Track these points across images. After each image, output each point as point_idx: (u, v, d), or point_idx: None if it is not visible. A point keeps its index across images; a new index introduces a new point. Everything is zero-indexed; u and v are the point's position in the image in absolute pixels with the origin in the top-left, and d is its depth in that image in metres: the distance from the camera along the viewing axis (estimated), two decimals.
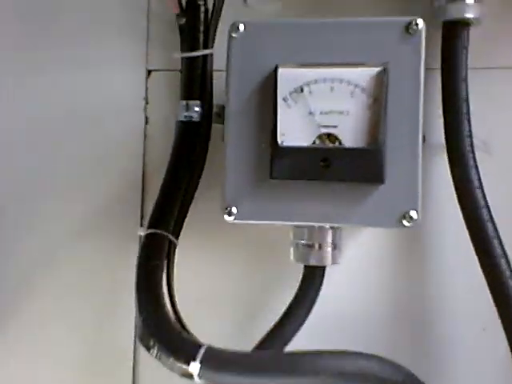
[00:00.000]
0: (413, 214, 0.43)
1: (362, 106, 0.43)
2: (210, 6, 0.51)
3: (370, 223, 0.46)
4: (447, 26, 0.46)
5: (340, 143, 0.45)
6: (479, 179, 0.45)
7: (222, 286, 0.53)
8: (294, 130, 0.44)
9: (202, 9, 0.51)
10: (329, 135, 0.44)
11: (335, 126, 0.44)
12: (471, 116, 0.45)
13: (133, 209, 0.54)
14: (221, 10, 0.51)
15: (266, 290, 0.53)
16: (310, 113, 0.44)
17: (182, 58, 0.51)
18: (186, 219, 0.51)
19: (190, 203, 0.51)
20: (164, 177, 0.50)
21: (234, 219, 0.45)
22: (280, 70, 0.44)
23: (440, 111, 0.47)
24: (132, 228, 0.54)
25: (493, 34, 0.49)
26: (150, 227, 0.48)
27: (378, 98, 0.43)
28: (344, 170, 0.43)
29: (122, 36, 0.55)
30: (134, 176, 0.54)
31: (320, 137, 0.45)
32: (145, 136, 0.55)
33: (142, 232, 0.48)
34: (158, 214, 0.49)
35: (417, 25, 0.43)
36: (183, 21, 0.51)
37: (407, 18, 0.43)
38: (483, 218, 0.44)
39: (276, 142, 0.43)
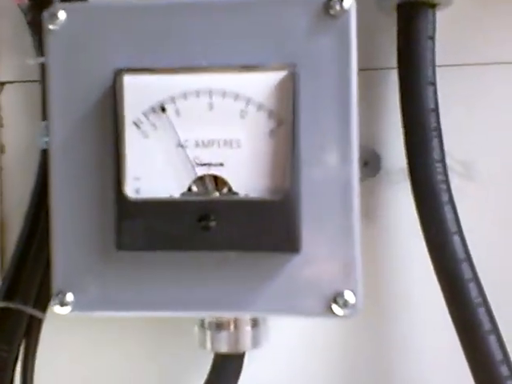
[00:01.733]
0: (348, 295, 0.31)
1: (260, 132, 0.31)
2: None
3: (281, 311, 0.32)
4: (404, 8, 0.37)
5: (230, 190, 0.31)
6: (457, 220, 0.36)
7: (111, 372, 0.44)
8: (155, 171, 0.32)
9: None
10: (215, 179, 0.32)
11: (220, 164, 0.32)
12: (442, 129, 0.37)
13: None
14: None
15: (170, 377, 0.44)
16: (180, 144, 0.31)
17: (39, 65, 0.41)
18: None
19: None
20: (22, 225, 0.41)
21: (71, 310, 0.33)
22: (126, 79, 0.31)
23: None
24: None
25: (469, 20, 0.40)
26: (0, 299, 0.40)
27: (284, 119, 0.31)
28: (235, 233, 0.31)
29: None
30: None
31: (198, 181, 0.32)
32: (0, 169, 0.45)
33: None
34: (12, 279, 0.41)
35: (341, 2, 0.30)
36: (30, 15, 0.41)
37: None
38: (463, 277, 0.35)
39: (122, 192, 0.31)
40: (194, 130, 0.31)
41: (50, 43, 0.32)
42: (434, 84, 0.36)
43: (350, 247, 0.31)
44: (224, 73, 0.30)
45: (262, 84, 0.30)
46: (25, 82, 0.44)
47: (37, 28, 0.40)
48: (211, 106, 0.31)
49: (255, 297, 0.32)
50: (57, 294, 0.33)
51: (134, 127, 0.31)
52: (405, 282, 0.41)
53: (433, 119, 0.36)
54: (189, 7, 0.31)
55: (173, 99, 0.31)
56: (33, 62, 0.41)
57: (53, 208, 0.33)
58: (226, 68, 0.31)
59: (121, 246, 0.31)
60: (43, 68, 0.40)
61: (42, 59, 0.39)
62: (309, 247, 0.31)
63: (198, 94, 0.31)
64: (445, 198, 0.35)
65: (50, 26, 0.32)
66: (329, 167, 0.31)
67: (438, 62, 0.36)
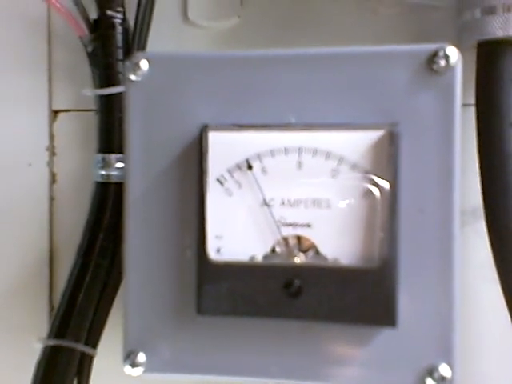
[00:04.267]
0: (443, 370, 0.29)
1: (353, 193, 0.29)
2: (132, 23, 0.40)
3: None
4: (485, 48, 0.35)
5: (317, 252, 0.30)
6: None
7: None
8: (238, 230, 0.30)
9: (119, 28, 0.39)
10: (298, 239, 0.30)
11: (307, 225, 0.29)
12: None
13: (37, 304, 0.44)
14: (148, 29, 0.40)
15: None
16: (265, 203, 0.30)
17: (96, 97, 0.41)
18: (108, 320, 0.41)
19: (113, 298, 0.41)
20: (74, 259, 0.41)
21: (144, 371, 0.31)
22: (211, 135, 0.30)
23: (472, 160, 0.36)
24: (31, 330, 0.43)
25: None
26: (52, 337, 0.39)
27: (382, 181, 0.28)
28: (324, 302, 0.29)
29: (15, 66, 0.45)
30: (37, 255, 0.45)
31: (282, 242, 0.30)
32: (51, 199, 0.44)
33: (41, 344, 0.39)
34: (63, 316, 0.40)
35: (447, 57, 0.28)
36: (91, 46, 0.40)
37: (430, 46, 0.28)
38: None
39: (205, 253, 0.29)
40: (280, 189, 0.29)
41: (131, 94, 0.31)
42: None
43: (449, 318, 0.29)
44: (315, 130, 0.29)
45: (356, 143, 0.28)
46: (79, 111, 0.44)
47: (96, 60, 0.40)
48: (300, 165, 0.29)
49: (340, 369, 0.30)
50: (128, 355, 0.31)
51: (218, 184, 0.29)
52: (477, 332, 0.39)
53: None
54: (280, 59, 0.29)
55: (259, 157, 0.29)
56: (90, 93, 0.40)
57: (128, 264, 0.31)
58: (318, 125, 0.29)
59: (202, 310, 0.29)
60: (101, 99, 0.40)
61: (99, 91, 0.40)
62: (404, 319, 0.29)
63: (286, 151, 0.29)
64: None
65: (132, 76, 0.30)
66: (428, 233, 0.29)
67: None
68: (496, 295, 0.34)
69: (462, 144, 0.38)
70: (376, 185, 0.28)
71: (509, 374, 0.39)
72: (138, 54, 0.30)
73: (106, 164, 0.40)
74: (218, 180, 0.29)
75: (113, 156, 0.40)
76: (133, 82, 0.30)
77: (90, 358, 0.40)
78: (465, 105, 0.37)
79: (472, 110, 0.36)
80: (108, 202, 0.40)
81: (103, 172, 0.40)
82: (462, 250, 0.38)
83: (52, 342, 0.38)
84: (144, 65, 0.30)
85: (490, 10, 0.34)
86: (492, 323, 0.38)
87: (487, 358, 0.39)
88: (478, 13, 0.34)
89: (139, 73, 0.30)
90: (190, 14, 0.40)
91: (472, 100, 0.35)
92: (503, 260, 0.34)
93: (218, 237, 0.30)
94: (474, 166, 0.36)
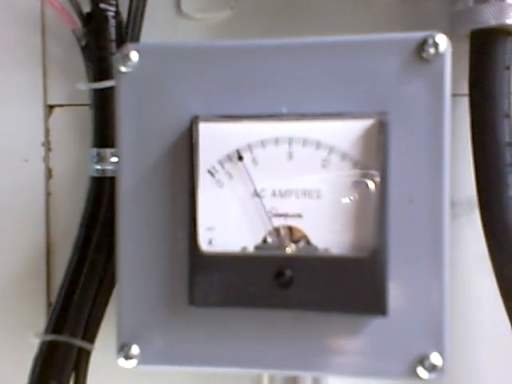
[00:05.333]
0: (435, 358, 0.29)
1: (343, 183, 0.29)
2: (125, 16, 0.39)
3: (360, 373, 0.30)
4: (478, 37, 0.35)
5: (308, 243, 0.29)
6: None
7: None
8: (229, 221, 0.30)
9: (112, 21, 0.39)
10: (289, 230, 0.29)
11: (298, 216, 0.29)
12: None
13: (34, 299, 0.44)
14: (141, 22, 0.39)
15: None
16: (256, 194, 0.29)
17: (91, 91, 0.40)
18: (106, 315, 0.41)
19: (110, 293, 0.41)
20: (71, 254, 0.40)
21: (138, 363, 0.31)
22: (201, 126, 0.29)
23: (466, 150, 0.35)
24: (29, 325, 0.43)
25: None
26: (49, 332, 0.39)
27: (371, 170, 0.28)
28: (315, 292, 0.28)
29: (9, 61, 0.44)
30: (34, 251, 0.45)
31: (274, 233, 0.29)
32: (47, 195, 0.44)
33: (38, 339, 0.39)
34: (60, 311, 0.40)
35: (436, 44, 0.28)
36: (85, 40, 0.40)
37: (419, 34, 0.28)
38: None
39: (197, 244, 0.29)
40: (271, 179, 0.29)
41: (121, 85, 0.30)
42: (509, 116, 0.34)
43: (439, 307, 0.29)
44: (306, 120, 0.28)
45: (346, 132, 0.28)
46: (74, 105, 0.43)
47: (90, 53, 0.40)
48: (290, 155, 0.29)
49: (332, 358, 0.29)
50: (122, 347, 0.31)
51: (209, 176, 0.29)
52: (471, 322, 0.39)
53: (508, 154, 0.34)
54: (269, 49, 0.29)
55: (250, 147, 0.29)
56: (84, 87, 0.40)
57: (120, 257, 0.31)
58: (307, 116, 0.28)
59: (194, 302, 0.29)
60: (95, 94, 0.40)
61: (93, 85, 0.39)
62: (395, 307, 0.29)
63: (276, 142, 0.29)
64: None
65: (122, 68, 0.30)
66: (418, 221, 0.28)
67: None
68: (491, 286, 0.34)
69: (456, 134, 0.37)
70: (366, 175, 0.28)
71: (501, 362, 0.39)
72: (128, 45, 0.30)
73: (101, 158, 0.39)
74: (209, 171, 0.29)
75: (108, 150, 0.39)
76: (123, 73, 0.30)
77: (88, 353, 0.40)
78: (459, 95, 0.36)
79: (466, 100, 0.35)
80: (103, 196, 0.40)
81: (98, 167, 0.40)
82: (457, 240, 0.39)
83: (49, 337, 0.38)
84: (134, 56, 0.30)
85: None
86: (486, 313, 0.38)
87: (481, 347, 0.39)
88: (470, 2, 0.34)
89: (129, 64, 0.30)
90: (183, 7, 0.40)
91: (466, 90, 0.35)
92: (497, 250, 0.34)
93: (209, 228, 0.29)
94: (468, 156, 0.35)
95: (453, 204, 0.38)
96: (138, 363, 0.31)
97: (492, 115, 0.34)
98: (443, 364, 0.29)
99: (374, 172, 0.28)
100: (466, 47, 0.35)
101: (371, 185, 0.28)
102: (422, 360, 0.29)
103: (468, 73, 0.35)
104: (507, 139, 0.34)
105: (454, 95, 0.36)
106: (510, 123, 0.34)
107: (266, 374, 0.33)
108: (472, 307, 0.39)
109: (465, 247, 0.38)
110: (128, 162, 0.31)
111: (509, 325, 0.34)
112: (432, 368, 0.29)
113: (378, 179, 0.28)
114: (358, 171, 0.28)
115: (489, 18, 0.33)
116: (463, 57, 0.35)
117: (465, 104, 0.35)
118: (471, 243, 0.38)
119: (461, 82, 0.36)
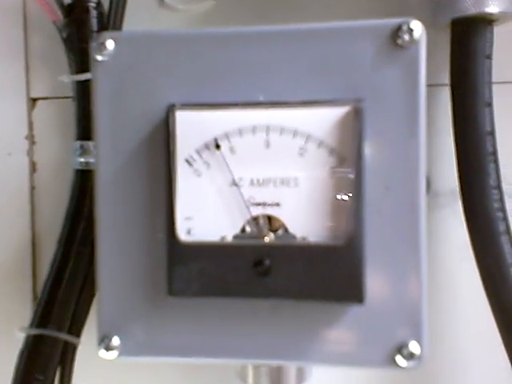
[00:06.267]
0: (413, 346, 0.29)
1: (320, 171, 0.29)
2: (106, 7, 0.39)
3: (340, 361, 0.30)
4: (459, 24, 0.34)
5: (286, 231, 0.29)
6: None
7: None
8: (208, 211, 0.30)
9: (94, 12, 0.39)
10: (268, 219, 0.29)
11: (276, 204, 0.29)
12: (499, 153, 0.34)
13: (19, 293, 0.44)
14: (123, 13, 0.39)
15: None
16: (234, 183, 0.29)
17: (73, 83, 0.40)
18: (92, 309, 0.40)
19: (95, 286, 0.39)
20: (56, 248, 0.40)
21: (119, 355, 0.31)
22: (178, 114, 0.29)
23: (449, 141, 0.35)
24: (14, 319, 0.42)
25: None
26: (34, 326, 0.39)
27: (347, 157, 0.28)
28: (293, 280, 0.28)
29: None
30: (19, 245, 0.44)
31: (252, 222, 0.29)
32: (31, 188, 0.44)
33: (23, 333, 0.39)
34: (46, 305, 0.39)
35: (411, 31, 0.28)
36: (66, 32, 0.40)
37: (394, 20, 0.28)
38: None
39: (175, 234, 0.29)
40: (248, 168, 0.29)
41: (98, 74, 0.30)
42: (490, 105, 0.34)
43: (416, 295, 0.29)
44: (282, 108, 0.28)
45: (322, 120, 0.28)
46: (57, 98, 0.43)
47: (72, 45, 0.39)
48: (268, 143, 0.28)
49: (312, 346, 0.29)
50: (102, 339, 0.31)
51: (186, 165, 0.29)
52: (455, 312, 0.39)
53: (489, 143, 0.34)
54: (246, 37, 0.29)
55: (227, 136, 0.29)
56: (67, 79, 0.39)
57: (99, 248, 0.31)
58: (284, 104, 0.28)
59: (173, 292, 0.29)
60: (77, 86, 0.39)
61: (75, 77, 0.39)
62: (372, 296, 0.29)
63: (254, 130, 0.28)
64: (502, 227, 0.33)
65: (98, 57, 0.30)
66: (394, 208, 0.28)
67: (493, 78, 0.34)
68: (473, 275, 0.34)
69: (439, 125, 0.37)
70: (342, 162, 0.28)
71: (485, 352, 0.38)
72: (104, 33, 0.30)
73: (84, 151, 0.39)
74: (186, 160, 0.29)
75: (91, 143, 0.39)
76: (99, 62, 0.30)
77: (74, 347, 0.39)
78: (441, 85, 0.36)
79: (448, 90, 0.35)
80: (87, 189, 0.39)
81: (82, 159, 0.39)
82: (441, 231, 0.39)
83: (34, 331, 0.38)
84: (110, 45, 0.30)
85: None
86: (469, 303, 0.38)
87: (465, 337, 0.39)
88: None
89: (105, 53, 0.30)
90: None
91: (447, 80, 0.35)
92: (479, 239, 0.34)
93: (187, 218, 0.29)
94: (451, 146, 0.35)
95: (436, 194, 0.38)
96: (119, 354, 0.31)
97: (473, 104, 0.34)
98: (421, 352, 0.29)
99: (350, 159, 0.28)
100: (446, 37, 0.35)
101: (347, 173, 0.28)
102: (401, 348, 0.29)
103: (449, 62, 0.35)
104: (488, 128, 0.33)
105: (435, 85, 0.37)
106: (491, 112, 0.34)
107: (250, 365, 0.33)
108: (456, 297, 0.39)
109: (448, 237, 0.38)
110: (105, 153, 0.30)
111: (491, 312, 0.34)
112: (410, 356, 0.29)
113: (353, 166, 0.28)
114: (334, 159, 0.28)
115: (468, 7, 0.33)
116: (444, 47, 0.35)
117: (446, 94, 0.35)
118: (455, 233, 0.38)
119: (442, 72, 0.35)
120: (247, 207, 0.29)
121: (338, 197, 0.28)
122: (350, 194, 0.28)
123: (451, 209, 0.38)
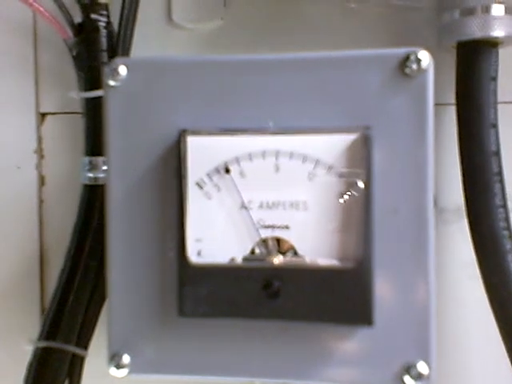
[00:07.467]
0: (421, 367, 0.29)
1: (329, 195, 0.29)
2: (116, 26, 0.39)
3: (349, 381, 0.30)
4: (464, 48, 0.35)
5: (295, 253, 0.30)
6: None
7: None
8: (218, 233, 0.30)
9: (104, 31, 0.39)
10: (277, 241, 0.30)
11: (286, 227, 0.30)
12: (504, 172, 0.34)
13: (28, 306, 0.44)
14: (132, 31, 0.40)
15: None
16: (243, 206, 0.30)
17: (82, 100, 0.40)
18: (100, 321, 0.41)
19: (103, 299, 0.40)
20: (64, 261, 0.40)
21: (129, 372, 0.32)
22: (189, 139, 0.30)
23: (455, 157, 0.35)
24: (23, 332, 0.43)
25: None
26: (42, 338, 0.39)
27: (356, 182, 0.29)
28: (302, 302, 0.29)
29: (1, 70, 0.44)
30: (27, 258, 0.44)
31: (261, 244, 0.30)
32: (40, 202, 0.44)
33: (32, 346, 0.39)
34: (54, 318, 0.40)
35: (419, 60, 0.28)
36: (76, 50, 0.40)
37: (402, 50, 0.28)
38: None
39: (185, 256, 0.29)
40: (258, 192, 0.29)
41: (110, 99, 0.30)
42: (495, 126, 0.34)
43: (425, 316, 0.29)
44: (292, 135, 0.29)
45: (332, 146, 0.28)
46: (66, 113, 0.43)
47: (81, 63, 0.40)
48: (277, 168, 0.29)
49: (320, 366, 0.30)
50: (113, 357, 0.31)
51: (197, 188, 0.29)
52: (461, 329, 0.39)
53: (495, 163, 0.34)
54: (256, 64, 0.29)
55: (237, 160, 0.29)
56: (76, 96, 0.40)
57: (110, 267, 0.31)
58: (294, 130, 0.29)
59: (183, 313, 0.29)
60: (87, 103, 0.40)
61: (85, 94, 0.39)
62: (381, 317, 0.29)
63: (263, 155, 0.29)
64: (508, 245, 0.33)
65: (110, 82, 0.30)
66: (403, 231, 0.29)
67: (498, 98, 0.35)
68: (480, 293, 0.34)
69: (445, 142, 0.38)
70: (351, 187, 0.28)
71: (491, 367, 0.39)
72: (117, 59, 0.30)
73: (93, 166, 0.39)
74: (197, 184, 0.29)
75: (100, 159, 0.39)
76: (112, 87, 0.30)
77: (81, 359, 0.40)
78: (446, 104, 0.37)
79: (453, 110, 0.35)
80: (96, 204, 0.40)
81: (91, 174, 0.39)
82: (447, 247, 0.39)
83: (43, 344, 0.38)
84: (122, 70, 0.30)
85: (469, 11, 0.33)
86: (476, 320, 0.38)
87: (471, 353, 0.39)
88: (456, 14, 0.34)
89: (118, 78, 0.30)
90: (174, 16, 0.40)
91: (453, 99, 0.35)
92: (485, 258, 0.34)
93: (198, 240, 0.30)
94: (457, 163, 0.35)
95: (442, 211, 0.38)
96: (129, 372, 0.31)
97: (479, 125, 0.34)
98: (429, 372, 0.29)
99: (358, 184, 0.28)
100: (452, 57, 0.35)
101: (356, 196, 0.28)
102: (409, 369, 0.29)
103: (455, 83, 0.35)
104: (494, 149, 0.34)
105: (441, 104, 0.37)
106: (497, 132, 0.34)
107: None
108: (462, 314, 0.39)
109: (455, 254, 0.39)
110: (117, 174, 0.31)
111: (497, 331, 0.34)
112: (418, 377, 0.29)
113: (362, 191, 0.28)
114: (343, 183, 0.29)
115: (474, 31, 0.33)
116: (450, 67, 0.35)
117: (452, 113, 0.35)
118: (461, 250, 0.38)
119: (448, 92, 0.36)
120: (256, 229, 0.29)
121: (347, 220, 0.29)
122: (359, 218, 0.28)
123: (457, 225, 0.38)
